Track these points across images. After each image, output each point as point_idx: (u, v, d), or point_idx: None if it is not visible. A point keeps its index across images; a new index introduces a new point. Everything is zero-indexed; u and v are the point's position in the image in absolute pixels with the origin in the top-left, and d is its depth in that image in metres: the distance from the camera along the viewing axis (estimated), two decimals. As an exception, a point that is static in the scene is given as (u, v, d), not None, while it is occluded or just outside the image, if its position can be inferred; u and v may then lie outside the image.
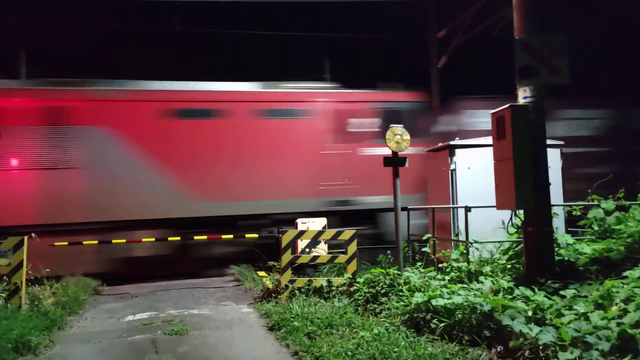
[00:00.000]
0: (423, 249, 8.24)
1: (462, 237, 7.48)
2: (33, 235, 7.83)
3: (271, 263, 9.44)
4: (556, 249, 6.18)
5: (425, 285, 6.16)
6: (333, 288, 7.24)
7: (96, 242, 9.55)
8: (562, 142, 8.35)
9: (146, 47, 17.86)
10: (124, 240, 9.77)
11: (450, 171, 8.20)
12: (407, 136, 7.20)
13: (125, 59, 18.03)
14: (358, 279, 7.05)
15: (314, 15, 17.49)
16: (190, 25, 14.72)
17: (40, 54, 15.20)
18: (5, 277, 6.95)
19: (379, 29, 15.66)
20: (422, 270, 7.18)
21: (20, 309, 6.63)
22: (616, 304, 4.33)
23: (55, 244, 9.06)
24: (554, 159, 7.50)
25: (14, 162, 9.98)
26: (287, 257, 7.47)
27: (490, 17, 14.11)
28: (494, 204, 6.24)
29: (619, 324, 3.86)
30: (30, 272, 7.34)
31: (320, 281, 7.38)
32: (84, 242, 9.40)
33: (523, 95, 5.95)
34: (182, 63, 18.87)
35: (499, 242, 7.21)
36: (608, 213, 6.80)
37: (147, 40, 17.04)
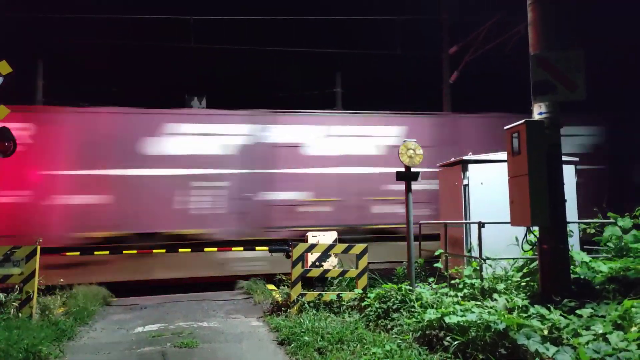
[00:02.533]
0: (435, 265, 8.15)
1: (474, 253, 7.40)
2: (40, 240, 7.87)
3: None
4: (572, 267, 6.07)
5: (438, 301, 6.07)
6: (343, 303, 7.17)
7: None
8: (577, 159, 8.26)
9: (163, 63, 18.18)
10: (135, 252, 9.79)
11: (463, 186, 8.14)
12: (420, 150, 7.18)
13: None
14: (369, 294, 6.98)
15: (327, 32, 17.67)
16: (206, 42, 14.95)
17: (59, 69, 15.55)
18: (17, 286, 6.99)
19: (391, 46, 15.77)
20: (434, 286, 7.08)
21: (31, 319, 6.65)
22: (636, 325, 4.23)
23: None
24: (568, 175, 7.42)
25: None
26: (297, 270, 7.43)
27: (503, 34, 14.17)
28: (508, 220, 6.17)
29: (639, 346, 3.76)
30: (41, 281, 7.38)
31: (330, 295, 7.32)
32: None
33: (538, 111, 5.91)
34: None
35: (512, 259, 7.11)
36: (625, 231, 6.69)
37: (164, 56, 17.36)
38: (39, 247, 7.16)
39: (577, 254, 6.59)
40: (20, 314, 6.65)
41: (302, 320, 6.33)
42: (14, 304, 6.78)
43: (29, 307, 6.85)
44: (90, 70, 17.63)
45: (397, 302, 6.32)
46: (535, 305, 5.21)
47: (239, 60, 19.13)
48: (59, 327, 6.44)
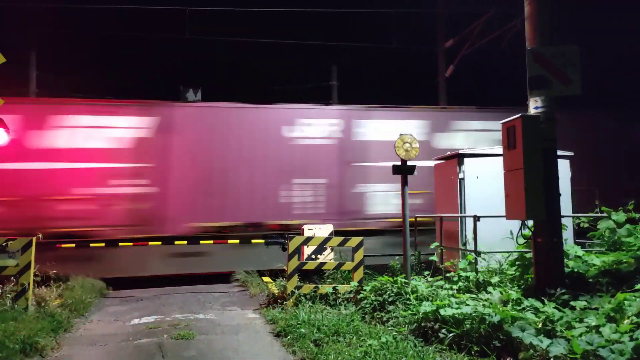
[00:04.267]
0: (430, 258, 8.20)
1: (469, 247, 7.45)
2: (40, 236, 7.87)
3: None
4: (565, 260, 6.14)
5: (433, 294, 6.12)
6: (339, 295, 7.21)
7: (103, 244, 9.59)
8: (571, 153, 8.32)
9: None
10: (131, 244, 9.78)
11: (458, 180, 8.18)
12: (417, 144, 7.20)
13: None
14: (365, 287, 7.02)
15: (323, 25, 17.61)
16: (201, 34, 14.85)
17: (52, 60, 15.40)
18: (12, 278, 6.96)
19: (388, 39, 15.75)
20: (429, 279, 7.14)
21: (27, 310, 6.63)
22: (628, 317, 4.29)
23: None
24: (563, 169, 7.47)
25: None
26: (293, 263, 7.46)
27: (499, 28, 14.17)
28: (503, 214, 6.21)
29: (632, 338, 3.82)
30: (37, 272, 7.36)
31: (326, 288, 7.36)
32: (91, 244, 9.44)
33: (534, 106, 5.94)
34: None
35: (507, 252, 7.17)
36: (618, 225, 6.76)
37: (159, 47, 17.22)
38: (34, 240, 7.13)
39: (571, 247, 6.64)
40: (16, 306, 6.63)
41: (298, 313, 6.37)
42: (9, 295, 6.76)
43: (24, 299, 6.83)
44: (83, 61, 17.49)
45: (393, 294, 6.37)
46: (530, 298, 5.28)
47: (234, 52, 19.05)
48: (55, 319, 6.42)
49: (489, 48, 14.71)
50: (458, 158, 8.29)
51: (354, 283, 7.31)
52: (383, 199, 11.13)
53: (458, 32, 15.33)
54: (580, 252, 6.47)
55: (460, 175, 8.18)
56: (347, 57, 18.62)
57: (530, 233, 6.04)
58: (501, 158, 6.24)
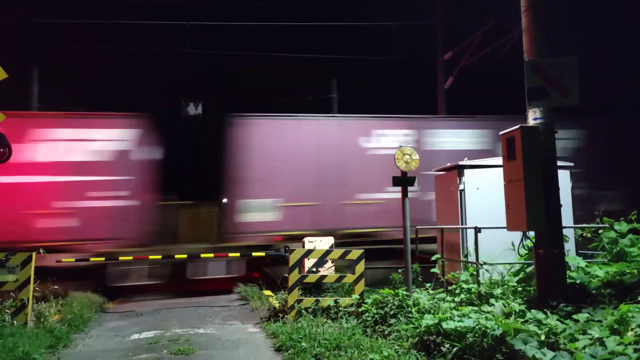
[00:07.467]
0: (432, 270, 8.15)
1: (471, 258, 7.41)
2: (41, 251, 7.84)
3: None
4: (567, 271, 6.09)
5: (435, 307, 6.06)
6: (340, 308, 7.15)
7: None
8: (571, 164, 8.30)
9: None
10: (131, 258, 9.73)
11: (459, 191, 8.16)
12: (416, 156, 7.20)
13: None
14: (366, 300, 6.97)
15: (324, 38, 17.72)
16: (202, 48, 14.95)
17: (54, 74, 15.51)
18: (12, 293, 6.93)
19: (388, 52, 15.85)
20: (431, 291, 7.08)
21: (26, 326, 6.60)
22: (632, 329, 4.24)
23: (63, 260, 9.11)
24: (563, 180, 7.45)
25: None
26: (294, 276, 7.41)
27: (497, 40, 14.26)
28: (504, 225, 6.18)
29: (636, 350, 3.77)
30: (37, 288, 7.33)
31: (327, 301, 7.30)
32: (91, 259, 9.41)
33: (533, 117, 5.94)
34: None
35: (509, 263, 7.12)
36: (621, 235, 6.71)
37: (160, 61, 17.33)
38: (34, 255, 7.11)
39: (573, 258, 6.60)
40: (15, 322, 6.60)
41: (299, 327, 6.31)
42: (8, 311, 6.73)
43: (23, 315, 6.80)
44: (85, 75, 17.62)
45: (395, 307, 6.32)
46: (532, 310, 5.22)
47: (234, 66, 19.17)
48: (54, 335, 6.39)
49: (488, 59, 14.80)
50: (458, 169, 8.28)
51: (355, 296, 7.26)
52: None
53: (457, 44, 15.44)
54: (582, 263, 6.42)
55: (461, 187, 8.16)
56: (347, 69, 18.73)
57: (532, 244, 6.00)
58: (501, 169, 6.23)
